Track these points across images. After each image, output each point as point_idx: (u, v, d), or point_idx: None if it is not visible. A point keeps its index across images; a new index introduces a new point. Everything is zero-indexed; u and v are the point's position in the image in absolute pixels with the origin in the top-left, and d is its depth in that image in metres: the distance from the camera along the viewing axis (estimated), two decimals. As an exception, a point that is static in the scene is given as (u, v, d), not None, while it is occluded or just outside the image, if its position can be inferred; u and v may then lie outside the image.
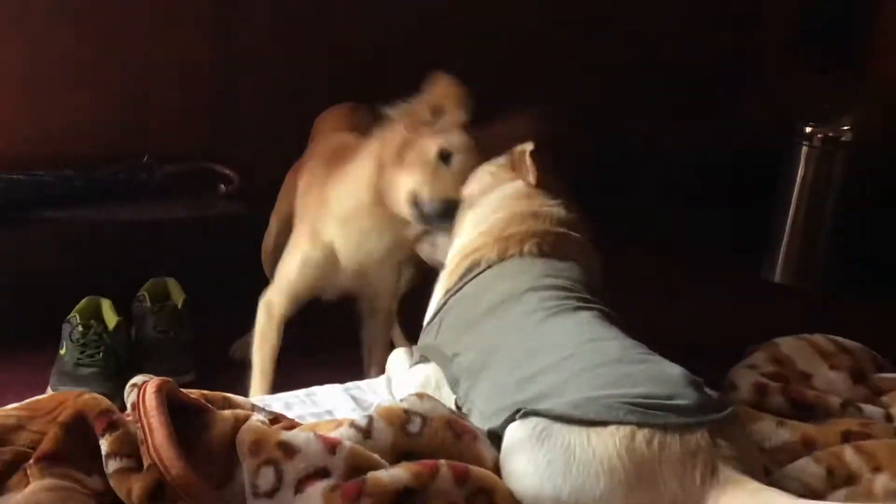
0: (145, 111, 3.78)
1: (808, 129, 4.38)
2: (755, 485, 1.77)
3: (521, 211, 2.52)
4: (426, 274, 2.85)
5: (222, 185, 3.84)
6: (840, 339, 2.61)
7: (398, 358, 2.56)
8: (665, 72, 4.77)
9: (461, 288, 2.44)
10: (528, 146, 2.63)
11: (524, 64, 4.36)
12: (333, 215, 2.88)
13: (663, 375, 1.94)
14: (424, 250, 2.84)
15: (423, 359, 2.42)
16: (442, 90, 2.77)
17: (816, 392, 2.38)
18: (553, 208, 2.53)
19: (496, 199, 2.61)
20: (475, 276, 2.43)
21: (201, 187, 3.85)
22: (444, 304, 2.47)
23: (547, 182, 2.61)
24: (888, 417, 2.33)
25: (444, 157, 2.72)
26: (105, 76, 3.71)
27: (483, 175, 2.72)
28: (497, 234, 2.48)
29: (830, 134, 4.36)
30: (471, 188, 2.71)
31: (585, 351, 2.04)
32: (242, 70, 3.86)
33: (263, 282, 3.42)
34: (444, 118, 2.77)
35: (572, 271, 2.38)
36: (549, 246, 2.43)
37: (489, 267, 2.42)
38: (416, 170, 2.74)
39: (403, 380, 2.46)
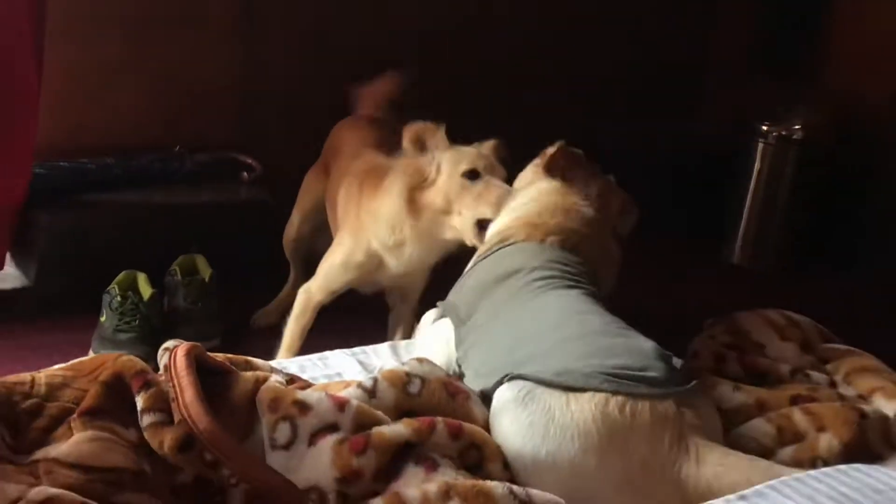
0: (177, 106, 3.78)
1: (763, 128, 4.38)
2: (719, 450, 1.77)
3: (553, 204, 2.52)
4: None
5: (245, 174, 3.84)
6: (790, 313, 2.61)
7: (427, 316, 2.55)
8: (633, 77, 4.76)
9: (488, 255, 2.43)
10: (556, 146, 2.65)
11: (493, 67, 4.33)
12: (378, 227, 2.89)
13: (638, 348, 1.94)
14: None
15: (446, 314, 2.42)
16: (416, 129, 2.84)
17: (769, 360, 2.39)
18: (584, 208, 2.53)
19: (534, 191, 2.61)
20: (500, 249, 2.43)
21: (227, 175, 3.84)
22: (472, 267, 2.47)
23: (579, 178, 2.62)
24: (832, 383, 2.34)
25: (470, 175, 2.74)
26: (141, 75, 3.70)
27: (526, 172, 2.75)
28: (528, 219, 2.49)
29: (783, 132, 4.37)
30: (516, 182, 2.74)
31: (571, 322, 2.05)
32: (265, 70, 3.85)
33: (281, 259, 3.43)
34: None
35: (580, 265, 2.38)
36: (570, 244, 2.42)
37: (514, 243, 2.42)
38: (474, 201, 2.74)
39: (428, 332, 2.47)
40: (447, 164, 2.77)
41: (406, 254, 2.90)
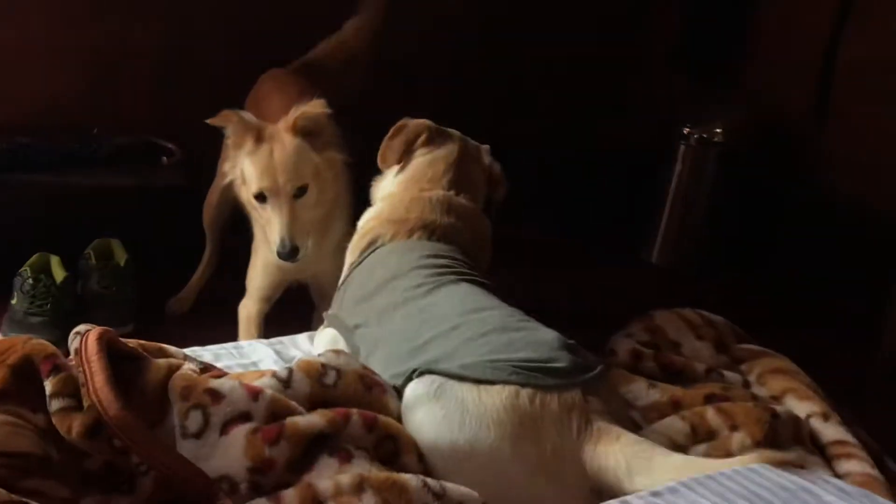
0: (96, 86, 3.72)
1: (685, 131, 4.42)
2: (625, 434, 1.79)
3: (409, 197, 2.52)
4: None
5: (164, 158, 3.78)
6: (707, 313, 2.64)
7: (319, 332, 2.54)
8: (554, 75, 4.78)
9: (361, 262, 2.43)
10: (389, 133, 2.63)
11: (410, 64, 4.33)
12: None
13: (540, 340, 1.96)
14: None
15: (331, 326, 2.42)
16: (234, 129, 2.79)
17: (684, 359, 2.41)
18: (439, 194, 2.52)
19: (388, 185, 2.62)
20: (371, 252, 2.42)
21: (146, 158, 3.78)
22: (348, 275, 2.46)
23: (426, 158, 2.61)
24: (746, 383, 2.38)
25: (259, 197, 2.73)
26: (60, 53, 3.65)
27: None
28: (389, 216, 2.48)
29: (704, 135, 4.41)
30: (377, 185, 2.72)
31: (470, 321, 2.05)
32: (185, 55, 3.81)
33: (199, 245, 3.39)
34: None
35: (454, 252, 2.39)
36: (437, 235, 2.43)
37: (383, 245, 2.42)
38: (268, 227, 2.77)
39: (316, 341, 2.46)
40: (246, 176, 2.75)
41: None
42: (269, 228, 2.74)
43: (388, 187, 2.63)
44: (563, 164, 4.67)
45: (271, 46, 3.56)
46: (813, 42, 4.31)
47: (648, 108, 4.92)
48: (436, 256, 2.33)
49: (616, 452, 1.75)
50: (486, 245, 2.61)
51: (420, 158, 2.63)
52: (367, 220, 2.57)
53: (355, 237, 2.56)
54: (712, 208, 4.46)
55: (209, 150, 3.36)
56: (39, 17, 3.56)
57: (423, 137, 2.65)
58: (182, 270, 3.40)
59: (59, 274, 3.12)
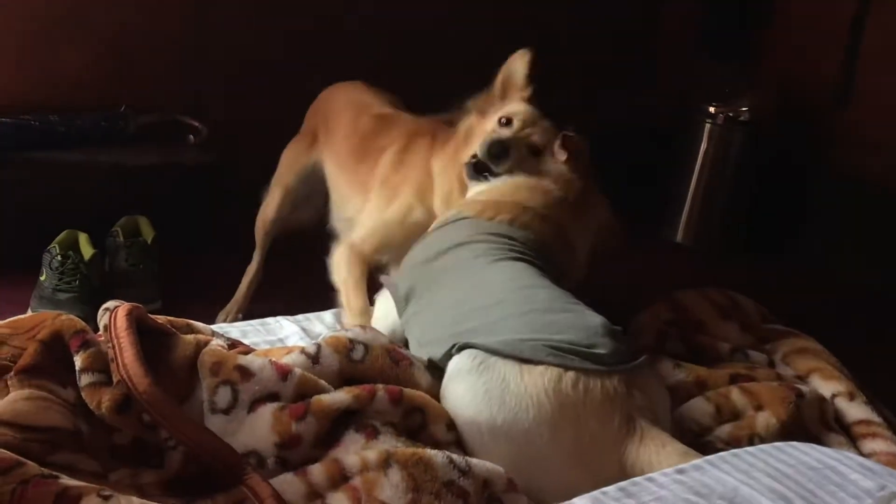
0: (125, 66, 3.72)
1: (711, 109, 4.40)
2: (671, 443, 1.77)
3: (519, 183, 2.47)
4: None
5: (191, 136, 3.79)
6: (732, 293, 2.64)
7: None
8: (580, 49, 4.76)
9: (440, 227, 2.41)
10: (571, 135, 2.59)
11: (443, 37, 4.31)
12: (438, 190, 2.73)
13: (584, 324, 1.94)
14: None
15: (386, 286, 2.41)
16: (508, 69, 2.70)
17: (709, 339, 2.41)
18: (553, 190, 2.48)
19: (502, 181, 2.52)
20: (452, 222, 2.40)
21: (173, 137, 3.79)
22: (424, 238, 2.44)
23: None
24: (771, 363, 2.37)
25: (505, 122, 2.60)
26: (90, 34, 3.64)
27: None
28: (485, 197, 2.44)
29: (730, 114, 4.39)
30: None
31: (516, 298, 2.04)
32: (213, 33, 3.80)
33: (225, 222, 3.39)
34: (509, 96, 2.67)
35: (527, 238, 2.35)
36: (521, 222, 2.37)
37: (463, 218, 2.39)
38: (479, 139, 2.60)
39: (378, 303, 2.46)
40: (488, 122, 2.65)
41: None
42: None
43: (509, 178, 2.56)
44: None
45: (297, 24, 3.56)
46: (838, 20, 4.28)
47: (672, 85, 4.90)
48: (505, 237, 2.31)
49: (662, 462, 1.72)
50: (576, 263, 2.55)
51: (562, 167, 2.56)
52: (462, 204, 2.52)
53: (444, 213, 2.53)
54: (738, 187, 4.45)
55: (235, 128, 3.37)
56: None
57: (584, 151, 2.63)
58: (209, 246, 3.41)
59: (87, 251, 3.13)
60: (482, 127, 2.62)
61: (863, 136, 4.20)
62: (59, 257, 3.06)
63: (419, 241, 2.44)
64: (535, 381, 1.79)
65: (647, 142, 4.62)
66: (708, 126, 4.41)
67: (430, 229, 2.49)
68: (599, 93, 4.74)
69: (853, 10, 4.21)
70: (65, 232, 3.16)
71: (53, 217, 3.23)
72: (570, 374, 1.80)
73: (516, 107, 2.63)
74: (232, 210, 3.41)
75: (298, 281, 3.14)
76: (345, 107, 3.08)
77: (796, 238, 4.39)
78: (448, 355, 1.92)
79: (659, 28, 5.06)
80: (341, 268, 2.71)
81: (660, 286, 2.77)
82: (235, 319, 3.13)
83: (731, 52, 4.67)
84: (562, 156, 2.52)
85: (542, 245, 2.35)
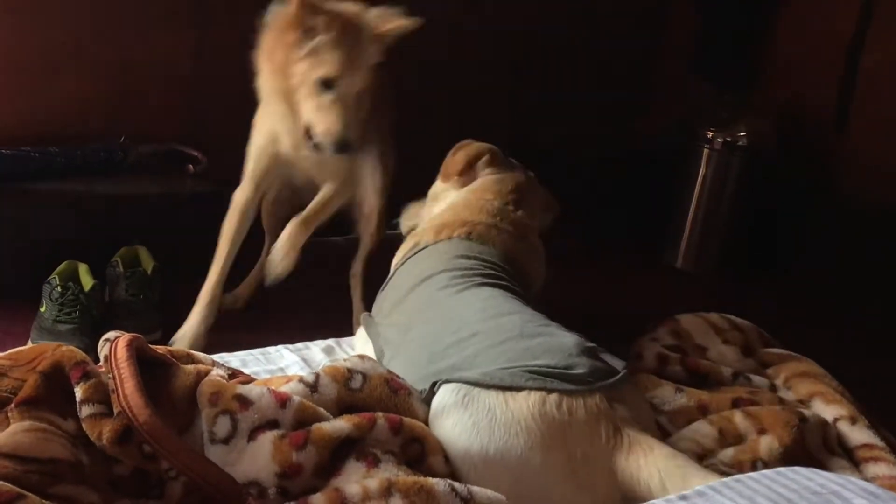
0: (123, 96, 3.73)
1: (709, 134, 4.41)
2: (658, 446, 1.78)
3: (463, 202, 2.56)
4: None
5: (190, 166, 3.80)
6: (733, 317, 2.64)
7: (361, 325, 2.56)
8: (577, 77, 4.78)
9: (403, 262, 2.45)
10: (453, 150, 2.69)
11: (442, 68, 4.33)
12: (263, 103, 2.92)
13: (559, 346, 1.96)
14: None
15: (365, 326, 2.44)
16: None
17: (711, 363, 2.40)
18: (495, 202, 2.56)
19: (445, 200, 2.70)
20: (414, 254, 2.45)
21: (172, 167, 3.80)
22: (391, 276, 2.48)
23: (490, 177, 2.65)
24: (773, 387, 2.37)
25: (326, 84, 2.70)
26: (89, 64, 3.65)
27: (437, 182, 2.83)
28: (437, 221, 2.52)
29: (728, 139, 4.40)
30: (430, 191, 2.81)
31: (489, 328, 2.06)
32: (211, 64, 3.81)
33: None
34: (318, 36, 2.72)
35: (489, 253, 2.40)
36: (477, 234, 2.45)
37: (426, 247, 2.44)
38: (307, 102, 2.73)
39: (356, 340, 2.50)
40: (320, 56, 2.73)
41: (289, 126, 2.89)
42: (319, 115, 2.74)
43: (452, 197, 2.69)
44: (586, 168, 4.66)
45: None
46: (836, 44, 4.30)
47: (669, 111, 4.92)
48: (466, 257, 2.35)
49: (649, 465, 1.74)
50: (539, 261, 2.63)
51: (488, 177, 2.72)
52: (418, 230, 2.61)
53: (403, 246, 2.61)
54: (737, 212, 4.45)
55: (234, 160, 3.36)
56: (68, 25, 3.58)
57: (486, 158, 2.75)
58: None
59: (87, 282, 3.13)
60: (300, 73, 2.75)
61: (861, 159, 4.21)
62: (59, 288, 3.06)
63: (389, 281, 2.49)
64: (521, 408, 1.80)
65: (646, 167, 4.63)
66: (706, 151, 4.42)
67: (394, 264, 2.54)
68: (594, 120, 4.76)
69: (850, 34, 4.23)
70: (65, 263, 3.16)
71: (53, 248, 3.23)
72: (553, 397, 1.81)
73: (336, 66, 2.71)
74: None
75: (298, 311, 3.16)
76: None
77: (796, 262, 4.39)
78: (431, 393, 1.92)
79: (657, 54, 5.07)
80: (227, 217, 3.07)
81: (659, 310, 2.76)
82: (237, 306, 3.31)
83: (729, 78, 4.68)
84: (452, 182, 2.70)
85: (503, 255, 2.41)
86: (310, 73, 2.73)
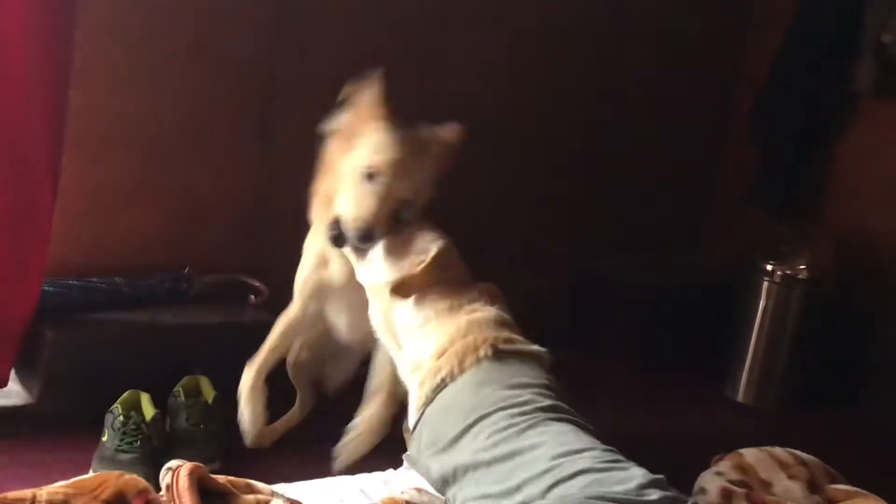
0: (188, 227, 3.80)
1: (769, 267, 4.39)
2: None
3: (455, 325, 2.49)
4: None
5: (252, 296, 3.85)
6: (798, 452, 2.60)
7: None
8: (636, 208, 4.81)
9: (433, 400, 2.41)
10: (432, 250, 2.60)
11: (498, 202, 4.38)
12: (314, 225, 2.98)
13: (629, 477, 1.96)
14: (360, 273, 2.78)
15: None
16: (365, 98, 2.73)
17: (776, 499, 2.37)
18: (485, 312, 2.51)
19: (425, 322, 2.55)
20: (442, 391, 2.40)
21: (234, 297, 3.85)
22: (420, 416, 2.44)
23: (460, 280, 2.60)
24: (839, 524, 2.32)
25: (369, 175, 2.65)
26: (153, 195, 3.74)
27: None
28: (443, 349, 2.45)
29: (788, 272, 4.37)
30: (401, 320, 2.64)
31: (562, 464, 2.04)
32: (277, 193, 3.88)
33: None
34: (371, 128, 2.70)
35: (532, 372, 2.37)
36: (498, 355, 2.41)
37: (453, 381, 2.40)
38: (344, 192, 2.70)
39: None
40: (360, 150, 2.71)
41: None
42: (352, 203, 2.67)
43: (425, 317, 2.57)
44: (642, 300, 4.66)
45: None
46: (893, 177, 4.30)
47: (728, 243, 4.92)
48: (513, 387, 2.31)
49: None
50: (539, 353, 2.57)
51: (442, 283, 2.58)
52: (426, 364, 2.51)
53: (417, 380, 2.52)
54: (799, 344, 4.40)
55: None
56: (134, 159, 3.67)
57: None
58: (268, 406, 3.41)
59: (148, 411, 3.14)
60: (347, 163, 2.72)
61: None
62: (121, 417, 3.07)
63: (422, 419, 2.43)
64: None
65: (706, 299, 4.61)
66: (766, 284, 4.39)
67: (417, 406, 2.48)
68: (648, 252, 4.78)
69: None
70: (127, 392, 3.18)
71: (116, 377, 3.25)
72: None
73: (381, 152, 2.66)
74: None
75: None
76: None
77: (862, 395, 4.32)
78: None
79: (713, 185, 5.10)
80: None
81: (721, 444, 2.73)
82: (263, 444, 3.23)
83: (787, 209, 4.68)
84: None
85: (539, 361, 2.38)
86: (356, 159, 2.69)
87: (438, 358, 2.46)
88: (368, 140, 2.70)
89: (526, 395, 2.30)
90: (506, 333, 2.47)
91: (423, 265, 2.56)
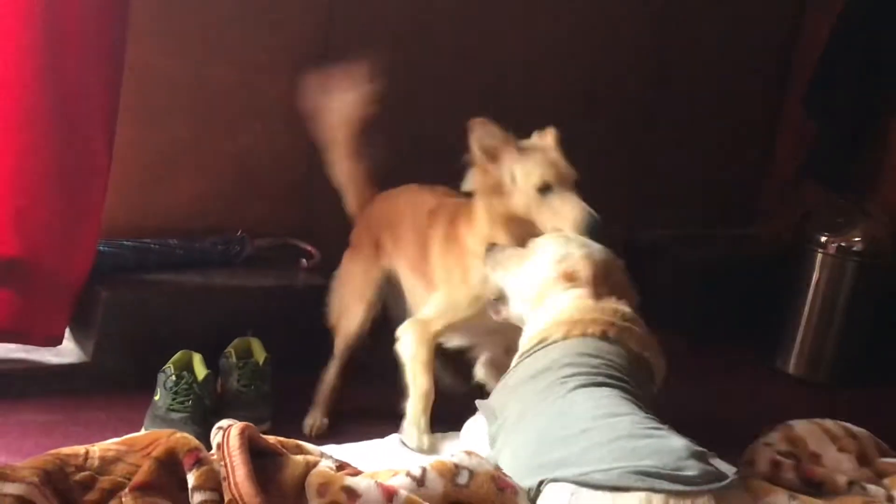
0: (242, 191, 3.83)
1: (823, 239, 4.34)
2: None
3: (585, 305, 2.51)
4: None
5: (304, 260, 3.86)
6: (848, 424, 2.59)
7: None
8: (691, 181, 4.78)
9: (531, 353, 2.43)
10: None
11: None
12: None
13: (668, 448, 1.95)
14: (494, 315, 2.81)
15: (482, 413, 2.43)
16: (479, 137, 2.81)
17: (825, 470, 2.35)
18: (619, 305, 2.52)
19: (563, 297, 2.57)
20: (542, 348, 2.42)
21: (286, 260, 3.88)
22: (514, 366, 2.46)
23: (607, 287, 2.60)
24: (889, 498, 2.30)
25: (543, 189, 2.75)
26: (207, 160, 3.76)
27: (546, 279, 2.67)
28: (563, 318, 2.47)
29: (843, 244, 4.32)
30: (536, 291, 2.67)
31: (600, 426, 2.04)
32: (325, 162, 3.88)
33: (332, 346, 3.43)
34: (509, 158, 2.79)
35: (617, 353, 2.37)
36: (611, 335, 2.41)
37: (554, 342, 2.41)
38: (535, 213, 2.76)
39: (468, 430, 2.51)
40: (520, 175, 2.77)
41: None
42: (557, 217, 2.74)
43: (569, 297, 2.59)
44: (696, 271, 4.63)
45: (413, 157, 3.61)
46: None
47: (782, 214, 4.88)
48: (594, 356, 2.32)
49: None
50: (659, 354, 2.57)
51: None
52: (535, 324, 2.56)
53: (526, 339, 2.56)
54: (852, 317, 4.35)
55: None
56: (188, 123, 3.69)
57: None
58: (319, 368, 3.43)
59: (200, 371, 3.17)
60: (519, 189, 2.78)
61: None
62: (173, 377, 3.10)
63: (516, 365, 2.45)
64: None
65: (759, 270, 4.57)
66: (820, 256, 4.34)
67: (517, 356, 2.51)
68: (711, 220, 4.75)
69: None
70: (180, 352, 3.20)
71: (169, 337, 3.29)
72: (660, 498, 1.79)
73: (536, 166, 2.78)
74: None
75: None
76: (405, 210, 3.22)
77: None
78: (538, 491, 1.91)
79: (769, 158, 5.05)
80: (411, 345, 2.85)
81: (771, 416, 2.72)
82: (322, 427, 3.21)
83: (843, 182, 4.63)
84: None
85: (636, 356, 2.37)
86: (528, 180, 2.77)
87: (549, 326, 2.50)
88: (524, 165, 2.78)
89: (597, 362, 2.31)
90: (626, 325, 2.47)
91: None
